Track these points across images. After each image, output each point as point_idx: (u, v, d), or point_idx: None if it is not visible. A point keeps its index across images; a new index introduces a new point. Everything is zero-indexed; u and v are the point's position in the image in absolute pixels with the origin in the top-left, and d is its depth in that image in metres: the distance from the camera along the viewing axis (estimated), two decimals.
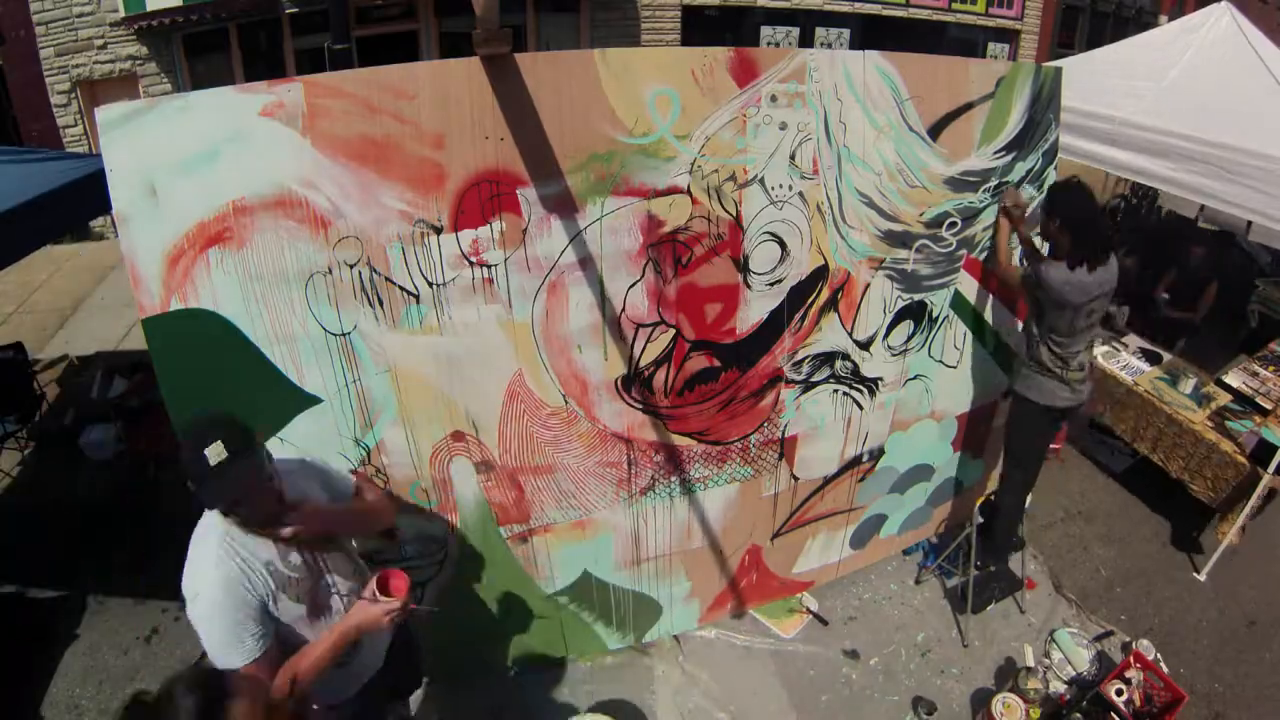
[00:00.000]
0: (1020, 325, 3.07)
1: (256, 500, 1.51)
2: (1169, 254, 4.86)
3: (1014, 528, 3.22)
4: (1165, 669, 2.93)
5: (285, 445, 2.17)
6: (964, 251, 2.82)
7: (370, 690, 1.95)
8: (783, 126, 2.28)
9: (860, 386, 2.88)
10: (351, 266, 2.00)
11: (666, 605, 2.99)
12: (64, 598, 3.35)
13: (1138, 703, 2.73)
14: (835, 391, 2.82)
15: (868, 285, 2.68)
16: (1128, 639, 3.14)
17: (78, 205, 2.68)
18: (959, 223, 2.74)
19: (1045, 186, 2.90)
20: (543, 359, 2.27)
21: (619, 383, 2.41)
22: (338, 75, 1.86)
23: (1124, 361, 4.12)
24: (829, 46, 10.22)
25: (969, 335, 3.05)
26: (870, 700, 2.95)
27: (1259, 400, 3.70)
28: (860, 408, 2.92)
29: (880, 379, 2.91)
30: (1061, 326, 2.69)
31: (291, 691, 1.52)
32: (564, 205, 2.10)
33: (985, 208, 2.77)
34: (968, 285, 2.92)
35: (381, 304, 2.06)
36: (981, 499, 3.32)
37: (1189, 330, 4.70)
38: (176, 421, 2.09)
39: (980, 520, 3.20)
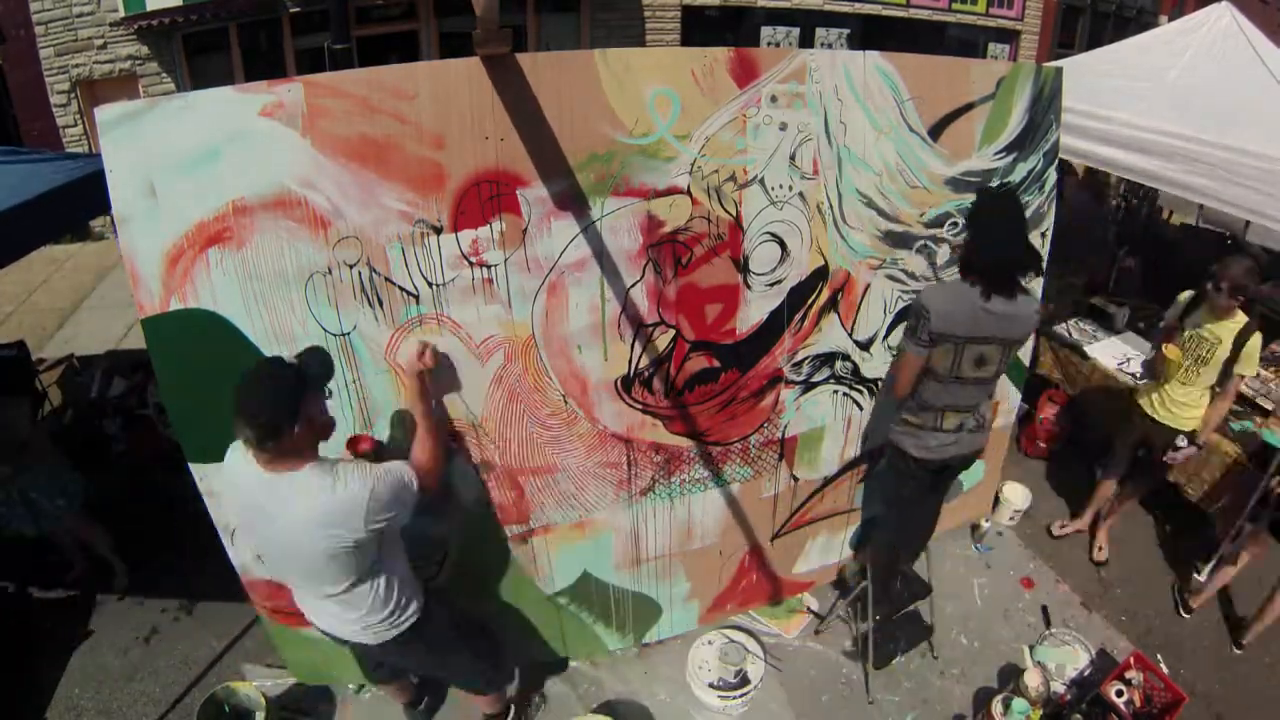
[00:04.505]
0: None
1: None
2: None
3: (892, 574, 2.98)
4: (1165, 669, 2.93)
5: None
6: None
7: None
8: (783, 127, 2.27)
9: (860, 387, 2.87)
10: (351, 267, 2.00)
11: (666, 606, 2.98)
12: (64, 598, 3.35)
13: (1138, 704, 2.73)
14: (835, 392, 2.82)
15: (868, 286, 2.68)
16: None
17: (77, 205, 2.67)
18: (960, 223, 2.74)
19: (1047, 187, 2.90)
20: (543, 359, 2.27)
21: (619, 383, 2.41)
22: (338, 75, 1.86)
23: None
24: (829, 47, 10.23)
25: None
26: (871, 700, 2.95)
27: (1259, 401, 3.69)
28: (860, 408, 2.92)
29: (880, 380, 2.90)
30: (940, 369, 2.31)
31: None
32: (564, 205, 2.10)
33: None
34: None
35: (381, 304, 2.06)
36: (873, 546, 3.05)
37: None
38: (175, 421, 2.10)
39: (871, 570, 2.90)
